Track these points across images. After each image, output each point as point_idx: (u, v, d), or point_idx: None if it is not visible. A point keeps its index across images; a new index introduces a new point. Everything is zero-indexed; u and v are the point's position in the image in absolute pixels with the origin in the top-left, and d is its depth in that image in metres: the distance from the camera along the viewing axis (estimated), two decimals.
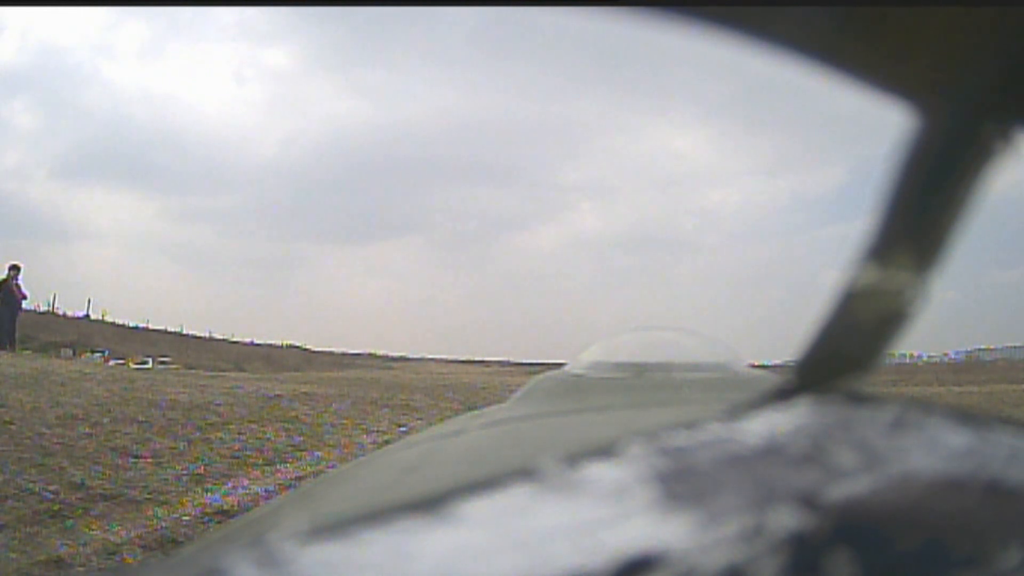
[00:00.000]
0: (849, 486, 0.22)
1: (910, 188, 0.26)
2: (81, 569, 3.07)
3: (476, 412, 1.12)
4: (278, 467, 5.41)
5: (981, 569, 0.20)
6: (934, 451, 0.25)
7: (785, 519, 0.21)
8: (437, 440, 0.81)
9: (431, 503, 0.21)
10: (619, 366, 1.01)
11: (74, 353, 19.86)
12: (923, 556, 0.21)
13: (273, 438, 6.63)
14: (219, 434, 6.54)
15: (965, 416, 0.28)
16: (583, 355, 1.10)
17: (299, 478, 4.75)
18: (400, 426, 7.80)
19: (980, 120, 0.24)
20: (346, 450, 6.23)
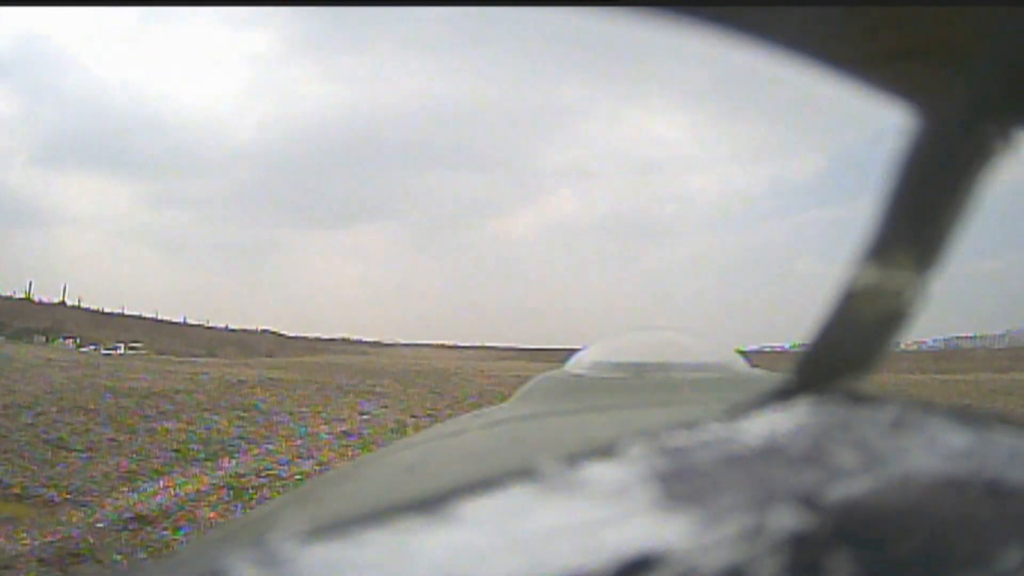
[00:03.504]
0: (849, 486, 0.22)
1: (910, 188, 0.26)
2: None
3: (476, 412, 1.12)
4: (221, 462, 5.02)
5: (981, 569, 0.20)
6: (934, 451, 0.25)
7: (785, 519, 0.21)
8: (437, 440, 0.81)
9: (431, 503, 0.21)
10: (619, 366, 1.01)
11: (47, 340, 19.88)
12: (923, 556, 0.21)
13: (224, 428, 6.33)
14: (168, 424, 6.23)
15: (965, 416, 0.28)
16: (583, 355, 1.10)
17: (239, 475, 4.48)
18: (363, 414, 7.76)
19: (980, 120, 0.24)
20: (299, 442, 5.89)
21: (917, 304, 0.27)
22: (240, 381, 10.64)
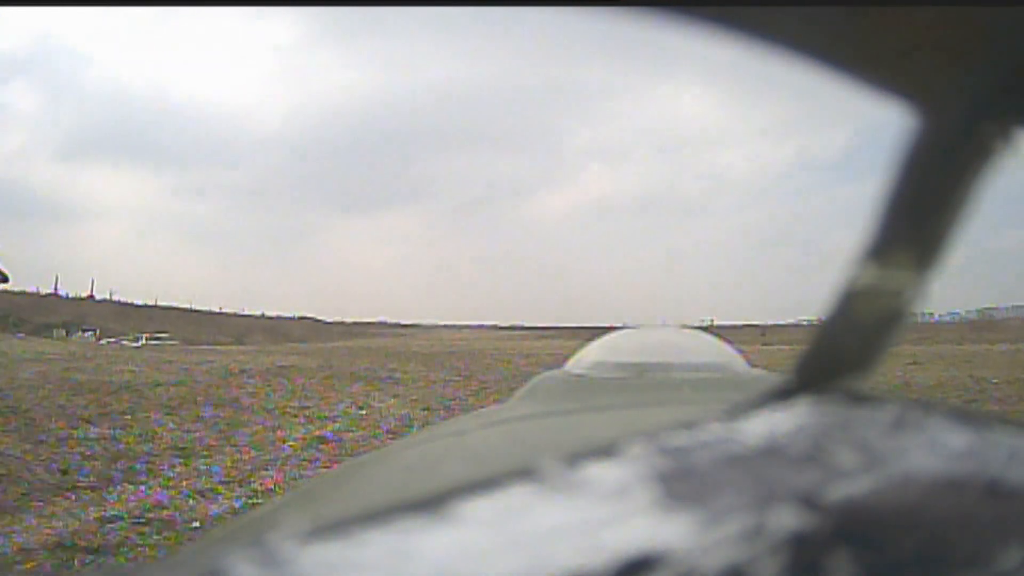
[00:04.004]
0: (849, 486, 0.22)
1: (910, 188, 0.26)
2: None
3: (475, 412, 1.12)
4: (109, 491, 3.72)
5: (981, 569, 0.20)
6: (934, 451, 0.25)
7: (785, 519, 0.21)
8: (437, 440, 0.81)
9: (431, 503, 0.21)
10: (619, 366, 1.01)
11: (67, 333, 19.83)
12: (923, 556, 0.21)
13: (167, 435, 5.13)
14: (99, 430, 5.18)
15: (965, 416, 0.28)
16: (583, 355, 1.10)
17: (105, 520, 3.27)
18: (362, 408, 6.81)
19: (980, 120, 0.24)
20: (251, 455, 4.67)
21: (917, 304, 0.27)
22: (243, 370, 9.81)
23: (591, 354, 1.09)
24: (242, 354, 14.00)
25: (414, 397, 7.93)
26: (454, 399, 7.76)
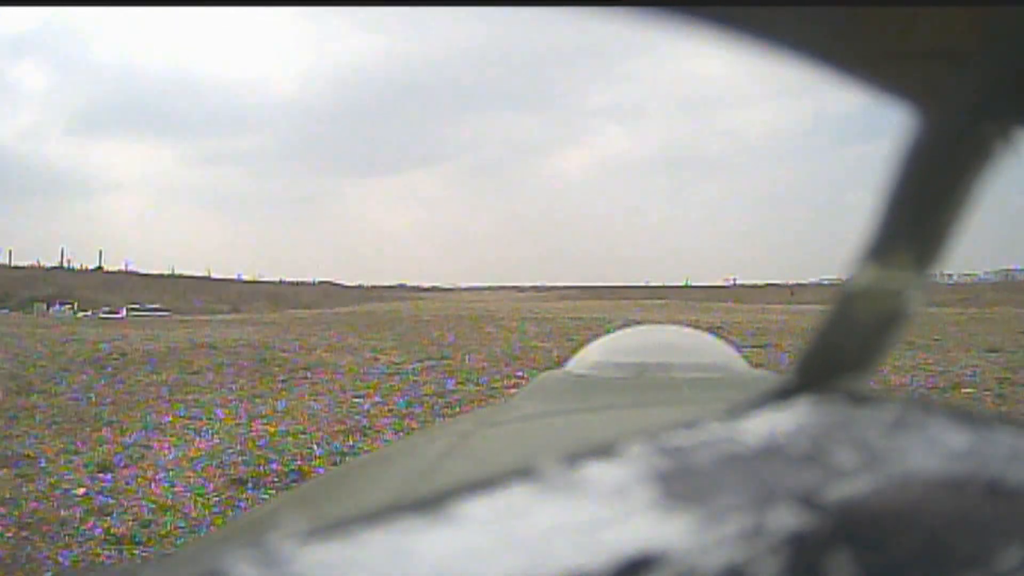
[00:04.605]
0: (849, 486, 0.23)
1: (910, 188, 0.26)
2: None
3: (476, 412, 1.12)
4: None
5: (981, 569, 0.20)
6: (934, 451, 0.25)
7: (785, 519, 0.21)
8: (437, 440, 0.81)
9: (431, 503, 0.21)
10: (620, 366, 1.01)
11: (47, 307, 19.82)
12: (923, 556, 0.21)
13: None
14: None
15: (965, 416, 0.28)
16: (584, 355, 1.11)
17: None
18: (197, 434, 4.40)
19: (980, 120, 0.24)
20: None
21: (917, 304, 0.27)
22: (190, 346, 8.45)
23: (591, 354, 1.10)
24: (218, 324, 12.90)
25: (325, 414, 5.15)
26: (385, 411, 5.15)
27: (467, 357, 8.31)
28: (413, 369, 7.43)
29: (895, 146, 0.26)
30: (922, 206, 0.26)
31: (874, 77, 0.26)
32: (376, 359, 8.25)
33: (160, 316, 18.93)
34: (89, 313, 18.66)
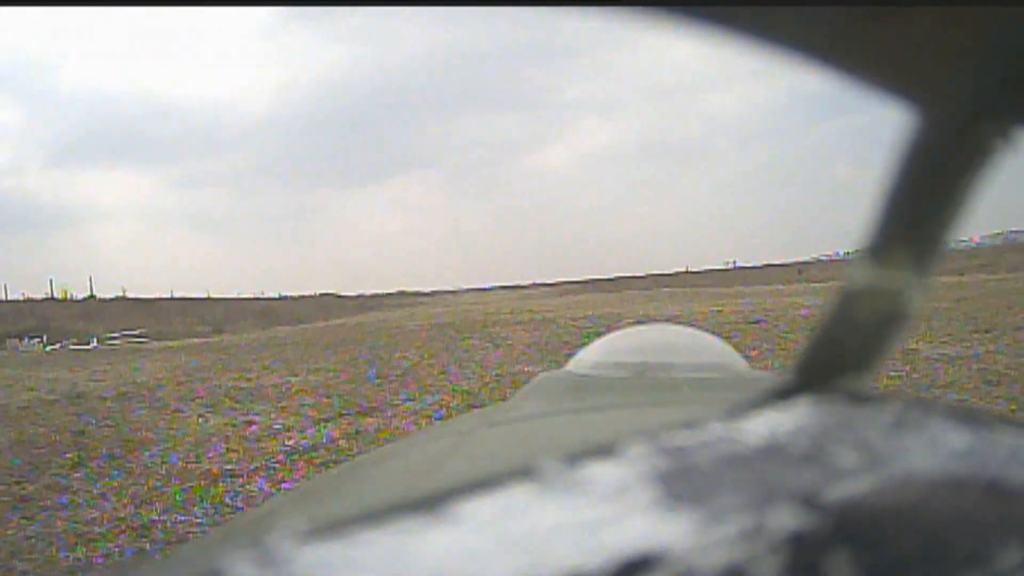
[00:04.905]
0: (849, 486, 0.23)
1: (909, 188, 0.26)
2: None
3: (476, 412, 1.12)
4: None
5: (981, 569, 0.20)
6: (934, 451, 0.25)
7: (785, 519, 0.21)
8: (437, 440, 0.81)
9: (431, 503, 0.21)
10: (620, 366, 1.01)
11: (20, 340, 19.77)
12: (923, 556, 0.21)
13: None
14: None
15: (965, 416, 0.28)
16: (584, 354, 1.11)
17: None
18: None
19: (980, 120, 0.24)
20: None
21: (917, 304, 0.27)
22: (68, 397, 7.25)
23: (591, 354, 1.10)
24: (128, 355, 12.18)
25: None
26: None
27: (419, 401, 6.15)
28: (294, 447, 4.92)
29: (894, 146, 0.26)
30: (921, 206, 0.26)
31: (874, 77, 0.26)
32: (250, 424, 5.62)
33: (139, 342, 18.84)
34: (58, 346, 18.55)
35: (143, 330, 21.33)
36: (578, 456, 0.23)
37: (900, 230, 0.26)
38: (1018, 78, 0.23)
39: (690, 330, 1.23)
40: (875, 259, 0.27)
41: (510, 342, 10.50)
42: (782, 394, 0.29)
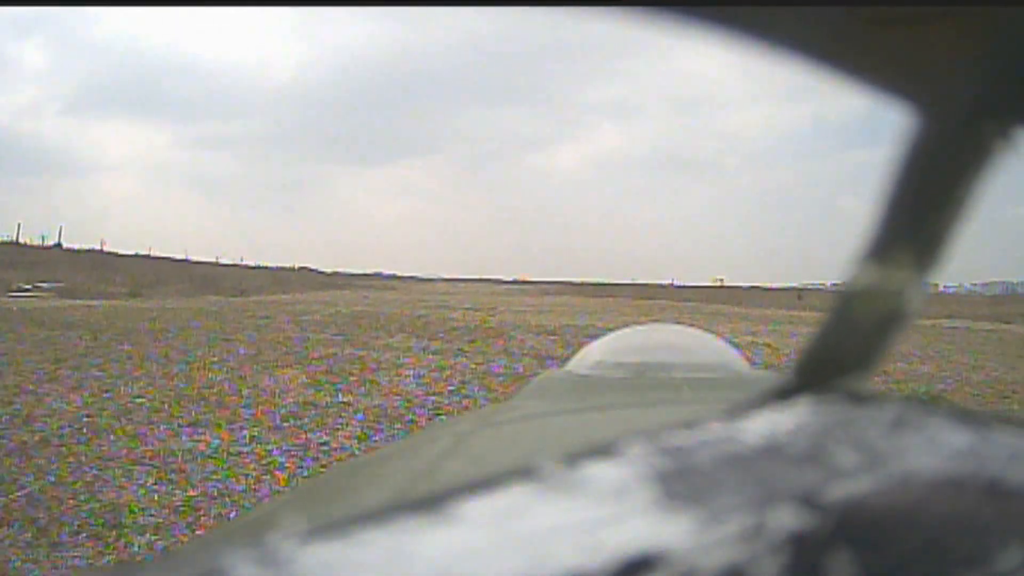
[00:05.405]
0: (849, 486, 0.23)
1: (910, 188, 0.26)
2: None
3: (476, 412, 1.12)
4: None
5: (981, 569, 0.20)
6: (934, 451, 0.25)
7: (785, 519, 0.21)
8: (437, 440, 0.81)
9: (431, 503, 0.21)
10: (620, 366, 1.01)
11: None
12: (923, 556, 0.21)
13: None
14: None
15: (965, 416, 0.28)
16: (584, 354, 1.11)
17: None
18: None
19: (980, 120, 0.24)
20: None
21: (917, 304, 0.27)
22: None
23: (592, 354, 1.10)
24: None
25: None
26: None
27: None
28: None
29: (895, 146, 0.26)
30: (922, 206, 0.26)
31: (874, 77, 0.26)
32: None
33: (39, 295, 18.56)
34: None
35: (61, 285, 20.98)
36: (578, 456, 0.23)
37: (900, 230, 0.26)
38: (1018, 78, 0.23)
39: (690, 330, 1.23)
40: (875, 259, 0.27)
41: (420, 364, 7.30)
42: (782, 394, 0.29)
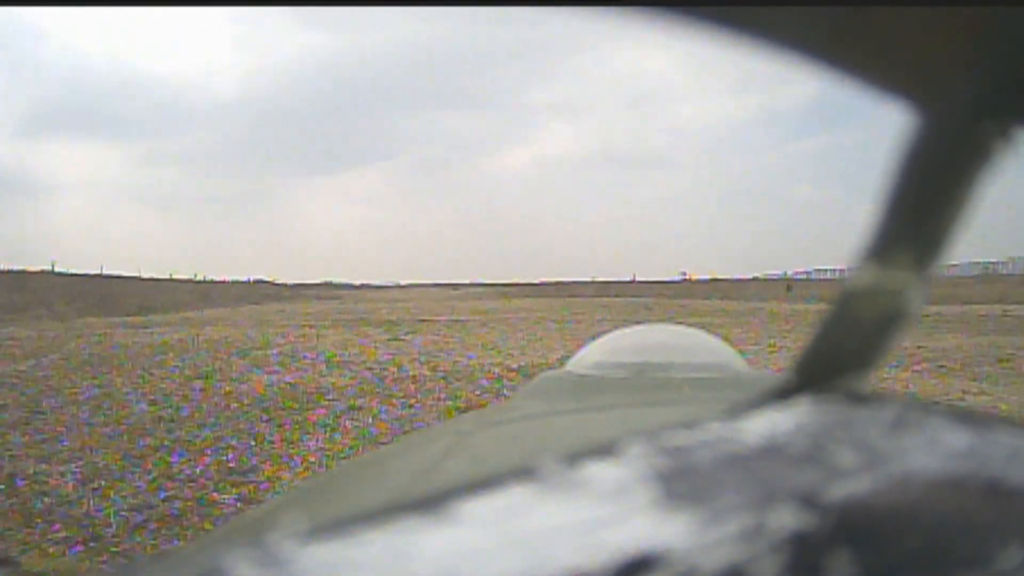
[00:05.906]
0: (849, 486, 0.23)
1: (910, 188, 0.26)
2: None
3: (476, 412, 1.12)
4: None
5: (981, 569, 0.20)
6: (934, 451, 0.25)
7: (785, 519, 0.21)
8: (437, 440, 0.81)
9: (431, 503, 0.21)
10: (620, 365, 1.01)
11: None
12: (923, 556, 0.21)
13: None
14: None
15: (965, 416, 0.28)
16: (584, 354, 1.11)
17: None
18: None
19: (980, 120, 0.24)
20: None
21: (917, 304, 0.27)
22: None
23: (592, 353, 1.10)
24: None
25: None
26: None
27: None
28: None
29: (894, 146, 0.26)
30: (922, 206, 0.26)
31: (874, 77, 0.26)
32: None
33: None
34: None
35: None
36: (578, 456, 0.23)
37: (900, 230, 0.26)
38: (1019, 78, 0.23)
39: (690, 330, 1.23)
40: (875, 259, 0.27)
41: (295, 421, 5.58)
42: (782, 394, 0.29)
